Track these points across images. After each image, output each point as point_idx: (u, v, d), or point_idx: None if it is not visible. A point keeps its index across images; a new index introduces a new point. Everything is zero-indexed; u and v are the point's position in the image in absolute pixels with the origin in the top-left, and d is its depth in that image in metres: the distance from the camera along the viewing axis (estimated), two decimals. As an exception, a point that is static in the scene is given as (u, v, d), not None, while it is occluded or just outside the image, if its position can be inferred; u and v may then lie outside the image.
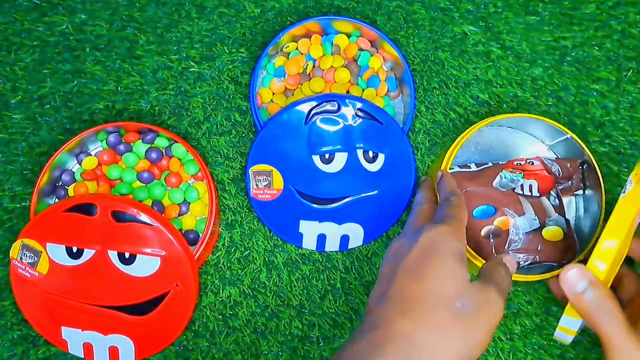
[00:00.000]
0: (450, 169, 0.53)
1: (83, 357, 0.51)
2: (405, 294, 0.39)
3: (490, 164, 0.55)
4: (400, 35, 0.60)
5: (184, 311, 0.50)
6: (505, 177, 0.53)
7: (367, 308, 0.41)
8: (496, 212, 0.53)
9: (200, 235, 0.53)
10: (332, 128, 0.54)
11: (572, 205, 0.56)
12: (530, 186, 0.53)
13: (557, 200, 0.54)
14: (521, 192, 0.53)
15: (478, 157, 0.57)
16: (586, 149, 0.53)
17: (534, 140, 0.57)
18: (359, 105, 0.53)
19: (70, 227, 0.49)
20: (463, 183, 0.53)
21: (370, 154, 0.54)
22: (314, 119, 0.53)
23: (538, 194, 0.54)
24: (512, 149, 0.57)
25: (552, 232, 0.53)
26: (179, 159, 0.55)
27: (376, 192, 0.55)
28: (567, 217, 0.54)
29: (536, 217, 0.53)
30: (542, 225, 0.53)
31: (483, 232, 0.53)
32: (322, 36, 0.59)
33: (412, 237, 0.43)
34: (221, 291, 0.55)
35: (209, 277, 0.55)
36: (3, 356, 0.54)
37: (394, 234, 0.56)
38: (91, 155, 0.55)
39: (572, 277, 0.41)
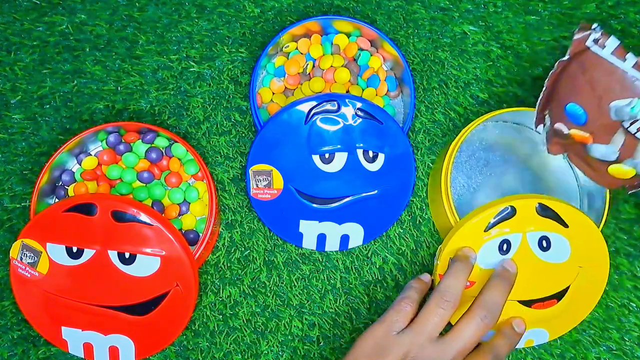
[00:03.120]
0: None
1: (83, 357, 0.51)
2: None
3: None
4: (400, 34, 0.60)
5: (184, 311, 0.50)
6: (634, 109, 0.44)
7: None
8: (587, 119, 0.47)
9: (200, 235, 0.53)
10: (332, 128, 0.54)
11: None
12: None
13: None
14: (629, 129, 0.45)
15: (483, 152, 0.57)
16: None
17: (537, 136, 0.57)
18: (358, 105, 0.53)
19: (70, 227, 0.49)
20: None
21: (370, 153, 0.54)
22: (314, 119, 0.53)
23: None
24: (517, 145, 0.57)
25: (621, 170, 0.48)
26: (179, 159, 0.55)
27: (376, 191, 0.55)
28: None
29: (618, 152, 0.47)
30: (617, 161, 0.48)
31: (556, 126, 0.49)
32: (322, 36, 0.59)
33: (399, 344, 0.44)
34: (221, 291, 0.55)
35: (209, 277, 0.55)
36: (3, 356, 0.54)
37: (394, 233, 0.57)
38: (91, 155, 0.55)
39: None
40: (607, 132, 0.46)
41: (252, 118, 0.57)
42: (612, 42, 0.43)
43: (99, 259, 0.49)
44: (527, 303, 0.50)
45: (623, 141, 0.46)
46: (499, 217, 0.48)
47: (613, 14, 0.61)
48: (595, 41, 0.44)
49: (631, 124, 0.44)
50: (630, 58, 0.43)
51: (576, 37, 0.44)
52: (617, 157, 0.47)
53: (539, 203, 0.48)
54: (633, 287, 0.56)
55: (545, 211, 0.49)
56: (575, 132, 0.48)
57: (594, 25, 0.44)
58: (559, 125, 0.49)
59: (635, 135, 0.45)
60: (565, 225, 0.49)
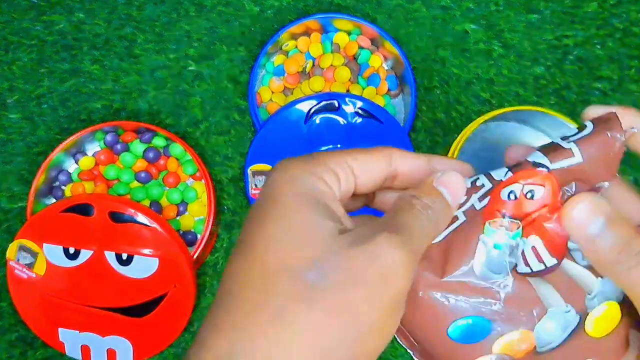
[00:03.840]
0: None
1: (81, 359, 0.51)
2: (230, 284, 0.24)
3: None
4: (401, 33, 0.59)
5: (182, 313, 0.50)
6: (496, 247, 0.26)
7: None
8: (492, 327, 0.26)
9: (199, 235, 0.53)
10: (332, 127, 0.53)
11: None
12: (535, 249, 0.26)
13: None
14: (528, 270, 0.26)
15: (485, 152, 0.57)
16: None
17: (541, 136, 0.57)
18: (359, 104, 0.53)
19: (68, 228, 0.49)
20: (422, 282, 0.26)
21: (371, 153, 0.54)
22: (313, 118, 0.53)
23: (555, 261, 0.26)
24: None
25: (605, 317, 0.26)
26: (177, 159, 0.55)
27: (376, 192, 0.54)
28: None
29: (569, 306, 0.26)
30: (584, 315, 0.26)
31: None
32: (321, 34, 0.58)
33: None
34: (220, 292, 0.55)
35: (207, 279, 0.55)
36: (1, 358, 0.53)
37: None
38: (88, 155, 0.55)
39: (580, 215, 0.25)
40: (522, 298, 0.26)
41: (251, 117, 0.56)
42: None
43: (96, 260, 0.49)
44: None
45: (551, 286, 0.26)
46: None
47: (615, 13, 0.60)
48: None
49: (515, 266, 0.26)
50: None
51: None
52: (575, 311, 0.26)
53: None
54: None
55: None
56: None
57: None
58: None
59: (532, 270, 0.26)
60: None
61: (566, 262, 0.26)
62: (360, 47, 0.58)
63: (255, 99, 0.56)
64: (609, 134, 0.26)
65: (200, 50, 0.59)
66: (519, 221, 0.25)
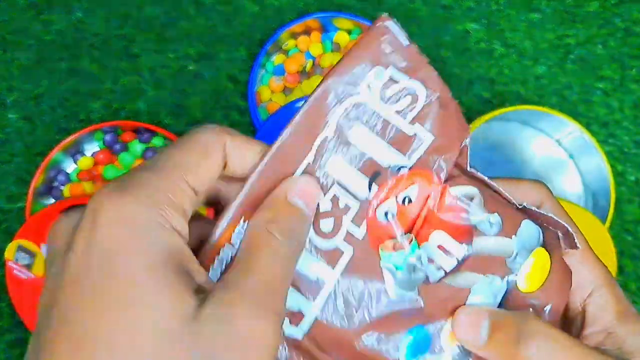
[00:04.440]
0: None
1: (79, 360, 0.50)
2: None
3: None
4: (401, 33, 0.59)
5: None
6: (398, 268, 0.24)
7: None
8: (431, 336, 0.24)
9: (199, 236, 0.53)
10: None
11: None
12: (441, 247, 0.24)
13: (496, 218, 0.25)
14: (442, 273, 0.24)
15: (486, 152, 0.56)
16: (597, 144, 0.52)
17: (542, 135, 0.57)
18: (359, 104, 0.53)
19: (66, 228, 0.49)
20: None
21: (371, 153, 0.54)
22: (313, 118, 0.53)
23: (465, 247, 0.24)
24: (520, 144, 0.57)
25: (535, 268, 0.26)
26: (176, 159, 0.55)
27: (377, 192, 0.54)
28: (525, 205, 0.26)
29: (490, 276, 0.25)
30: (510, 276, 0.25)
31: None
32: (322, 33, 0.58)
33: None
34: (220, 293, 0.55)
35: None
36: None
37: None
38: (87, 155, 0.55)
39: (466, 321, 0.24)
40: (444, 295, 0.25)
41: (251, 117, 0.56)
42: None
43: (95, 260, 0.49)
44: None
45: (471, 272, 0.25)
46: None
47: (617, 12, 0.60)
48: None
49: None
50: None
51: None
52: (501, 278, 0.25)
53: None
54: (638, 289, 0.55)
55: None
56: None
57: None
58: None
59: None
60: None
61: (476, 240, 0.24)
62: (361, 47, 0.57)
63: (255, 98, 0.55)
64: (434, 97, 0.24)
65: (199, 49, 0.58)
66: (409, 234, 0.24)
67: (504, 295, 0.25)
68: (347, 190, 0.24)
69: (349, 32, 0.58)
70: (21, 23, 0.59)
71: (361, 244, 0.24)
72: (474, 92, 0.58)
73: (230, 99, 0.58)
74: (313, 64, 0.57)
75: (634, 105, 0.58)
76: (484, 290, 0.25)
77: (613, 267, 0.50)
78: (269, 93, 0.57)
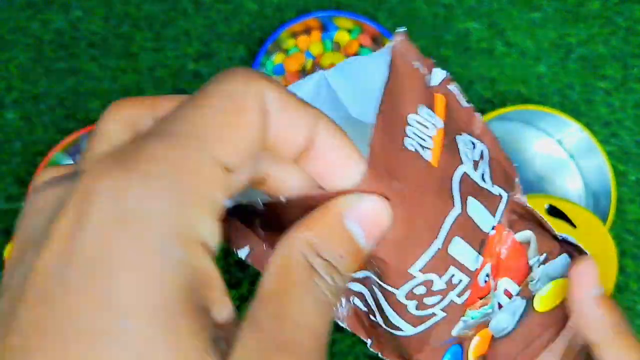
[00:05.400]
0: None
1: (79, 361, 0.50)
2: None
3: None
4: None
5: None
6: (473, 317, 0.24)
7: None
8: (462, 348, 0.25)
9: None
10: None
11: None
12: (507, 292, 0.25)
13: (544, 256, 0.25)
14: (498, 309, 0.25)
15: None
16: (598, 144, 0.52)
17: (544, 135, 0.57)
18: (359, 103, 0.52)
19: (65, 229, 0.48)
20: None
21: (372, 153, 0.54)
22: (314, 118, 0.53)
23: (518, 288, 0.25)
24: (522, 144, 0.57)
25: (551, 294, 0.26)
26: (176, 159, 0.54)
27: (377, 192, 0.54)
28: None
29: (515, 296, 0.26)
30: (529, 298, 0.26)
31: None
32: (322, 33, 0.58)
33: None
34: (220, 293, 0.54)
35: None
36: (-2, 360, 0.53)
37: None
38: (87, 155, 0.55)
39: (589, 273, 0.23)
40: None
41: (251, 117, 0.56)
42: None
43: (95, 261, 0.48)
44: None
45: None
46: None
47: (618, 11, 0.60)
48: None
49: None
50: None
51: None
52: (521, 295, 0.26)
53: (548, 204, 0.48)
54: (639, 289, 0.55)
55: (553, 211, 0.48)
56: None
57: None
58: None
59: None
60: (573, 226, 0.48)
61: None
62: (361, 46, 0.57)
63: (254, 98, 0.55)
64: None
65: (199, 48, 0.58)
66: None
67: (521, 313, 0.26)
68: (463, 266, 0.21)
69: (349, 31, 0.57)
70: (19, 22, 0.58)
71: (455, 309, 0.22)
72: (474, 91, 0.58)
73: (230, 99, 0.57)
74: (313, 63, 0.57)
75: (635, 105, 0.58)
76: (508, 308, 0.25)
77: (614, 267, 0.50)
78: (269, 92, 0.57)
